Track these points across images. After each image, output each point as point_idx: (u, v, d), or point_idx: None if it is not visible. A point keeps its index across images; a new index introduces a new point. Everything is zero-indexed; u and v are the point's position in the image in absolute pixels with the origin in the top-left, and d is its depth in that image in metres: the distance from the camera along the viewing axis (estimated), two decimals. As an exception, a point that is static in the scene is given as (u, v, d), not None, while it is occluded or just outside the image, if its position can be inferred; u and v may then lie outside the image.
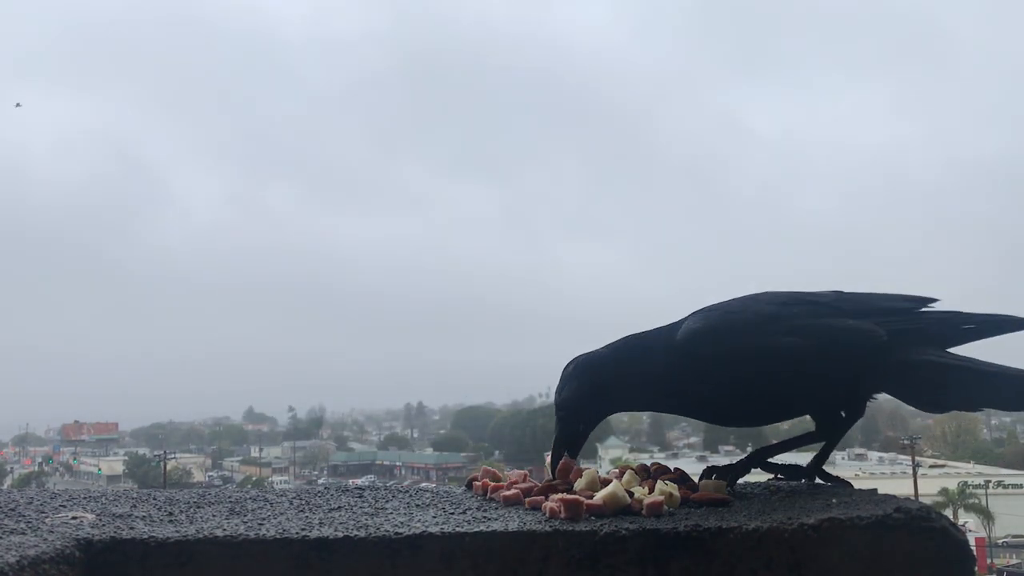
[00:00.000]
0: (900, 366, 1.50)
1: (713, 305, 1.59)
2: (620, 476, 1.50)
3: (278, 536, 1.23)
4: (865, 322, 1.51)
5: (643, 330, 1.62)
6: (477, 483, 1.58)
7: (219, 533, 1.25)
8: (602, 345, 1.63)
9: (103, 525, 1.30)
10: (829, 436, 1.58)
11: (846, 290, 1.63)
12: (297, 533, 1.24)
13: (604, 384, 1.58)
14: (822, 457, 1.60)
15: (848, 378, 1.52)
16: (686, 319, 1.57)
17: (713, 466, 1.60)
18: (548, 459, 1.60)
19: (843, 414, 1.58)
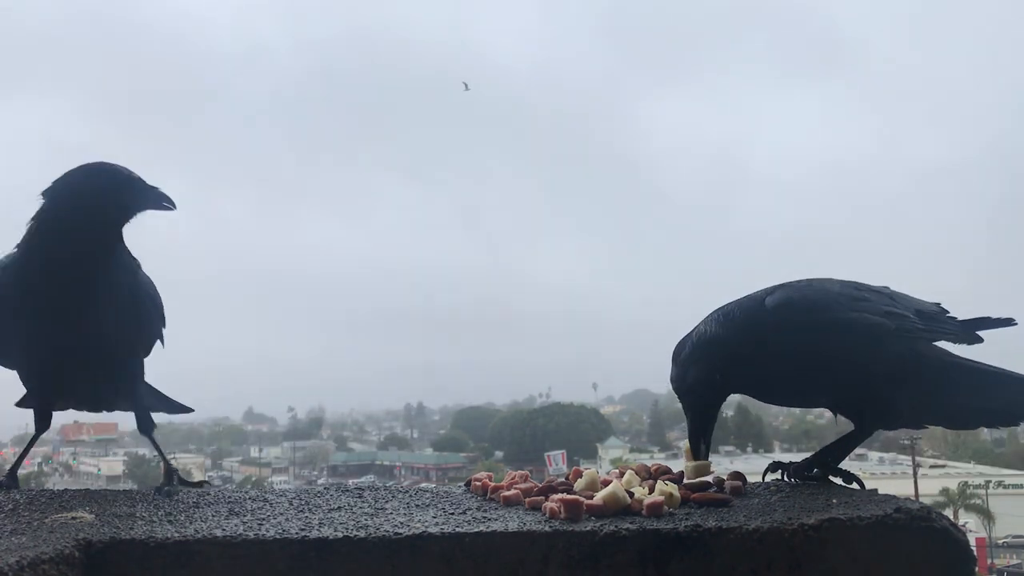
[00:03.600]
0: (933, 366, 1.58)
1: (792, 282, 1.62)
2: (620, 476, 1.50)
3: (278, 536, 1.23)
4: (912, 316, 1.58)
5: (729, 302, 1.64)
6: (477, 483, 1.58)
7: (219, 533, 1.25)
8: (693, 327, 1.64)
9: (103, 525, 1.30)
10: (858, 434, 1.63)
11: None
12: (297, 533, 1.24)
13: (724, 359, 1.58)
14: (843, 454, 1.62)
15: (900, 363, 1.56)
16: (771, 291, 1.60)
17: (778, 462, 1.65)
18: (687, 450, 1.62)
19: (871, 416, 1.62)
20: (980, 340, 1.61)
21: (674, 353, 1.62)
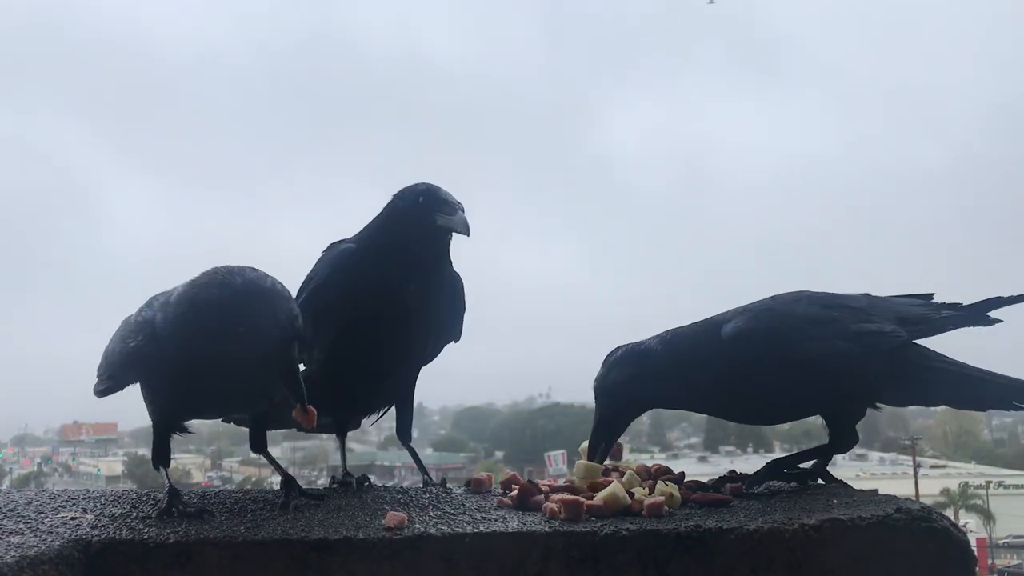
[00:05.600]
0: (912, 368, 1.56)
1: (756, 304, 1.60)
2: (620, 476, 1.50)
3: (278, 536, 1.24)
4: (890, 325, 1.55)
5: (683, 325, 1.63)
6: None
7: (219, 533, 1.25)
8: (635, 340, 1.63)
9: (102, 525, 1.30)
10: (834, 439, 1.60)
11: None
12: (297, 533, 1.24)
13: (651, 373, 1.57)
14: (827, 458, 1.61)
15: (871, 379, 1.55)
16: (729, 318, 1.57)
17: (735, 472, 1.61)
18: (582, 449, 1.60)
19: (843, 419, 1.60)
20: (997, 321, 1.57)
21: (607, 355, 1.62)
